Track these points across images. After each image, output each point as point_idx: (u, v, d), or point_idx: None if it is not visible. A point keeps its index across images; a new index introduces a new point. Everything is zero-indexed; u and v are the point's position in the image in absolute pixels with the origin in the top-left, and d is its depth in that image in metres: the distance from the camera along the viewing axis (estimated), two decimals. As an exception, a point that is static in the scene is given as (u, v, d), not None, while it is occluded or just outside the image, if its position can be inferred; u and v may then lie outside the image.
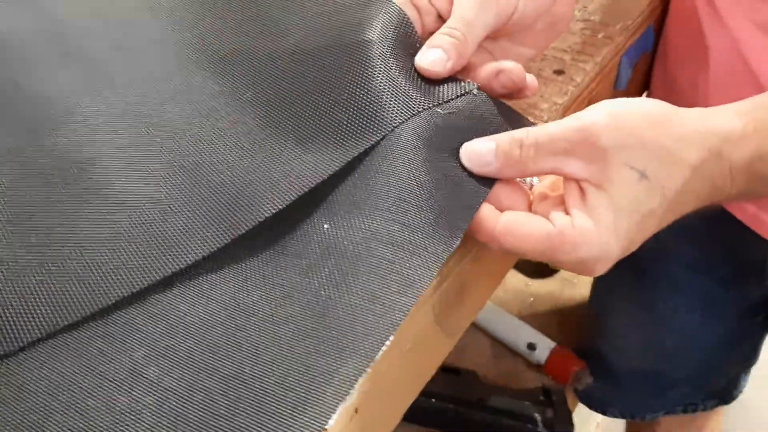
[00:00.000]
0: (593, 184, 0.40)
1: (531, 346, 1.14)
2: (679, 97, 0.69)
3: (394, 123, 0.44)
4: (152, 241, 0.40)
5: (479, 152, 0.43)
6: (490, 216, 0.42)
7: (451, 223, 0.41)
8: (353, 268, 0.39)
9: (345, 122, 0.45)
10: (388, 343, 0.36)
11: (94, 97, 0.49)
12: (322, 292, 0.38)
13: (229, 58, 0.51)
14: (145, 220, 0.41)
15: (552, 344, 1.15)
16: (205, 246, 0.40)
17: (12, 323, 0.36)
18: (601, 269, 0.42)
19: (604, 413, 1.10)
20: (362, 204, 0.42)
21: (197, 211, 0.41)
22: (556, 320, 1.24)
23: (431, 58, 0.47)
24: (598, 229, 0.40)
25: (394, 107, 0.45)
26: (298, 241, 0.41)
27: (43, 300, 0.37)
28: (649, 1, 0.67)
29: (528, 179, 0.46)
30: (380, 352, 0.36)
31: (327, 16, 0.52)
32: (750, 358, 0.95)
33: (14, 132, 0.47)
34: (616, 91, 0.68)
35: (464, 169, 0.43)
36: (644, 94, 0.79)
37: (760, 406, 1.35)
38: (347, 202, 0.42)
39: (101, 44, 0.54)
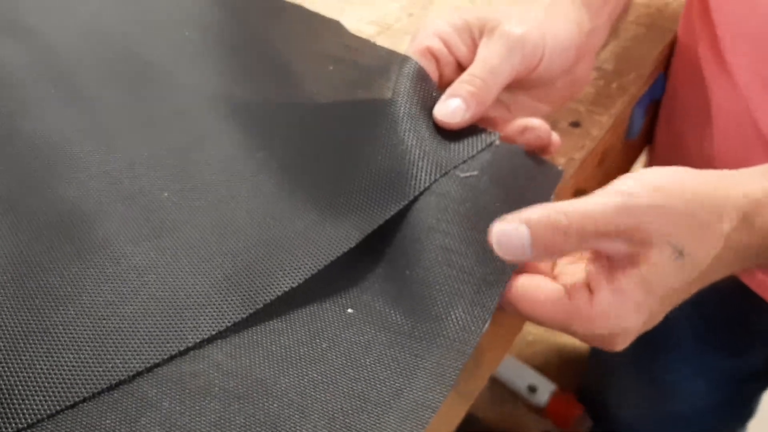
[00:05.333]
0: (629, 261, 0.37)
1: (532, 389, 1.13)
2: (683, 151, 0.68)
3: (413, 192, 0.43)
4: (165, 309, 0.38)
5: (512, 242, 0.38)
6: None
7: (480, 306, 0.39)
8: (377, 362, 0.37)
9: (360, 191, 0.43)
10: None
11: (94, 143, 0.48)
12: (345, 382, 0.36)
13: (238, 110, 0.50)
14: (155, 285, 0.39)
15: (553, 387, 1.13)
16: (220, 319, 0.38)
17: (16, 398, 0.34)
18: (622, 344, 0.40)
19: (605, 460, 1.08)
20: (386, 292, 0.40)
21: (209, 281, 0.40)
22: (556, 360, 1.23)
23: (450, 108, 0.46)
24: (620, 307, 0.38)
25: (412, 174, 0.43)
26: (320, 321, 0.39)
27: (49, 372, 0.35)
28: (661, 49, 0.67)
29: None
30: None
31: (342, 72, 0.51)
32: (748, 416, 0.96)
33: (12, 180, 0.45)
34: (628, 140, 0.67)
35: (483, 247, 0.40)
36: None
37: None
38: (371, 288, 0.41)
39: (102, 83, 0.53)
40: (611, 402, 1.01)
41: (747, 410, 0.95)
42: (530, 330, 1.28)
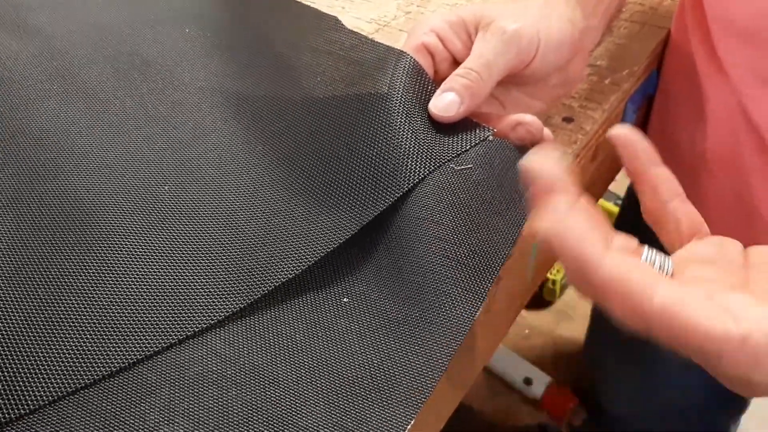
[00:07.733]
0: None
1: (527, 381, 1.14)
2: (675, 146, 0.69)
3: (408, 184, 0.43)
4: (165, 298, 0.39)
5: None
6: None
7: (472, 293, 0.40)
8: (371, 349, 0.38)
9: (356, 183, 0.44)
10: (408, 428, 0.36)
11: (96, 137, 0.49)
12: (340, 369, 0.38)
13: (237, 105, 0.51)
14: (155, 275, 0.40)
15: (548, 379, 1.14)
16: (219, 309, 0.39)
17: (19, 385, 0.35)
18: None
19: (599, 452, 1.09)
20: (381, 281, 0.41)
21: (208, 272, 0.41)
22: (552, 353, 1.24)
23: (444, 102, 0.47)
24: None
25: (407, 166, 0.44)
26: (316, 310, 0.40)
27: (52, 360, 0.36)
28: (654, 46, 0.67)
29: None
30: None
31: (339, 66, 0.51)
32: (741, 408, 0.96)
33: (14, 174, 0.46)
34: (621, 136, 0.68)
35: (476, 237, 0.42)
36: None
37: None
38: (366, 278, 0.42)
39: (104, 79, 0.54)
40: (605, 394, 1.02)
41: (740, 404, 0.95)
42: (526, 323, 1.30)
